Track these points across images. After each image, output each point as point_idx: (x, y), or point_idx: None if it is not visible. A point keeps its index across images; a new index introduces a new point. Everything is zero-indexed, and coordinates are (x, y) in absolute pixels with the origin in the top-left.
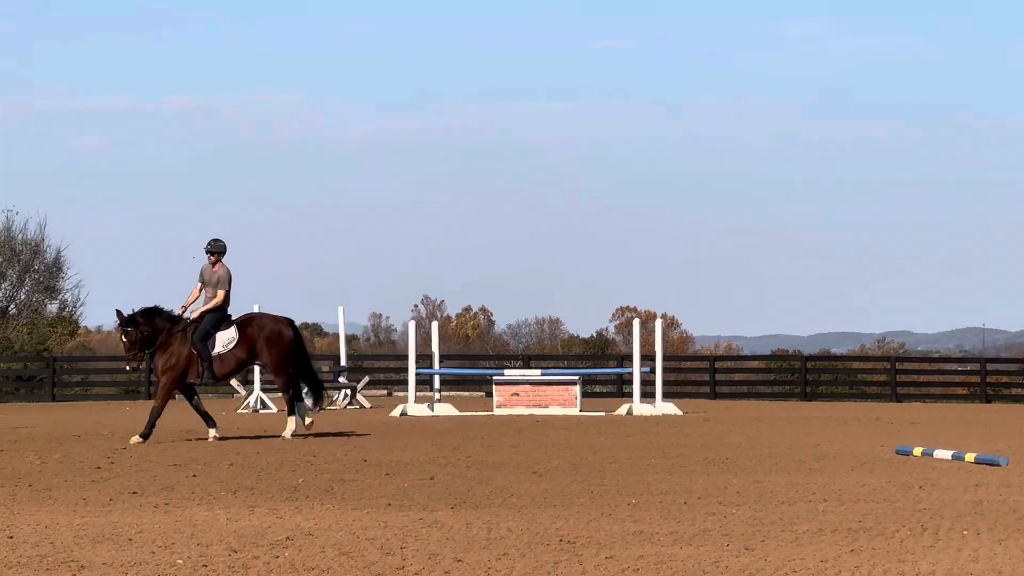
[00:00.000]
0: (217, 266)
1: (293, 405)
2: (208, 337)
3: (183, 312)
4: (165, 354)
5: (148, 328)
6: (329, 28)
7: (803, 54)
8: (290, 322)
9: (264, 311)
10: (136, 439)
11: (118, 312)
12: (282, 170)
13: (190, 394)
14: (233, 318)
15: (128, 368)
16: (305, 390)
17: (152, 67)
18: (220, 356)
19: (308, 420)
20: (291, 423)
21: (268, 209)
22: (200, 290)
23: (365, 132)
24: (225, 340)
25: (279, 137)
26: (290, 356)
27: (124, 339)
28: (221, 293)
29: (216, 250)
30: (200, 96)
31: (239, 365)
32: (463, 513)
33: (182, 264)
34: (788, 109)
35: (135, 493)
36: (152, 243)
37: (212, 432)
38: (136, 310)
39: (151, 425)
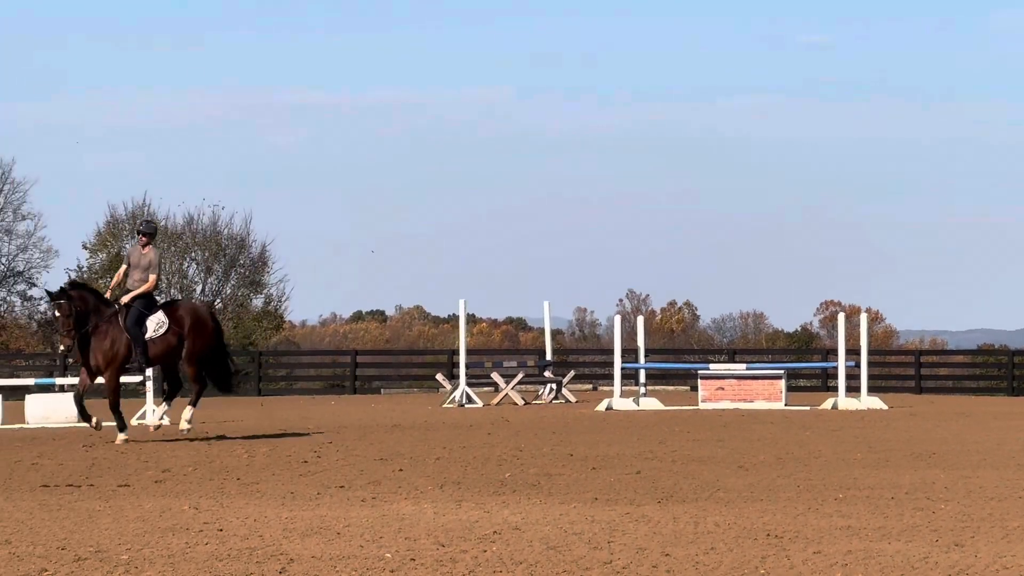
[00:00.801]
0: (147, 249)
1: (199, 396)
2: (142, 322)
3: (109, 296)
4: (104, 340)
5: (81, 305)
6: (535, 26)
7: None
8: (212, 310)
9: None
10: (121, 438)
11: (47, 291)
12: (487, 166)
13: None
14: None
15: (61, 348)
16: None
17: (356, 62)
18: (152, 340)
19: (157, 423)
20: (189, 411)
21: (473, 204)
22: (125, 273)
23: (571, 128)
24: (155, 325)
25: (484, 132)
26: (210, 345)
27: (58, 313)
28: (153, 277)
29: (150, 231)
30: (404, 91)
31: (169, 350)
32: (670, 507)
33: (383, 258)
34: (986, 102)
35: (342, 487)
36: (355, 238)
37: (95, 421)
38: (66, 285)
39: (120, 419)
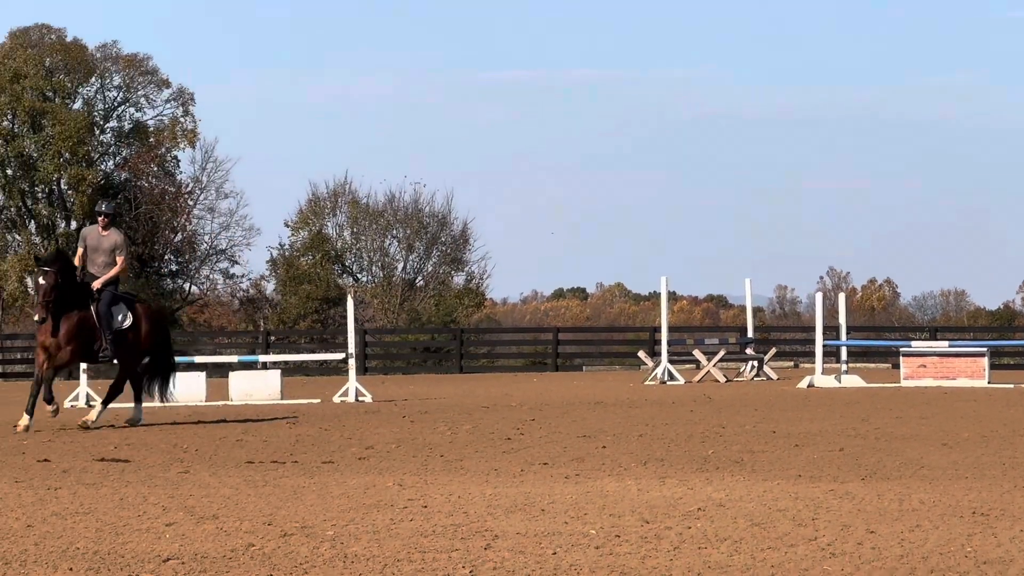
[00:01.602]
0: (109, 231)
1: (114, 395)
2: (114, 311)
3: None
4: (72, 321)
5: (65, 281)
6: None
7: None
8: (165, 312)
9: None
10: (23, 423)
11: (36, 257)
12: (688, 144)
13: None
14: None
15: (37, 318)
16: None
17: (557, 40)
18: (119, 331)
19: (94, 419)
20: (99, 411)
21: (674, 182)
22: (83, 256)
23: (771, 107)
24: (121, 316)
25: (685, 111)
26: (163, 348)
27: (43, 281)
28: (122, 259)
29: (111, 212)
30: (604, 69)
31: (127, 346)
32: (874, 484)
33: (584, 235)
34: None
35: (546, 464)
36: (554, 217)
37: (24, 420)
38: (53, 254)
39: (34, 402)
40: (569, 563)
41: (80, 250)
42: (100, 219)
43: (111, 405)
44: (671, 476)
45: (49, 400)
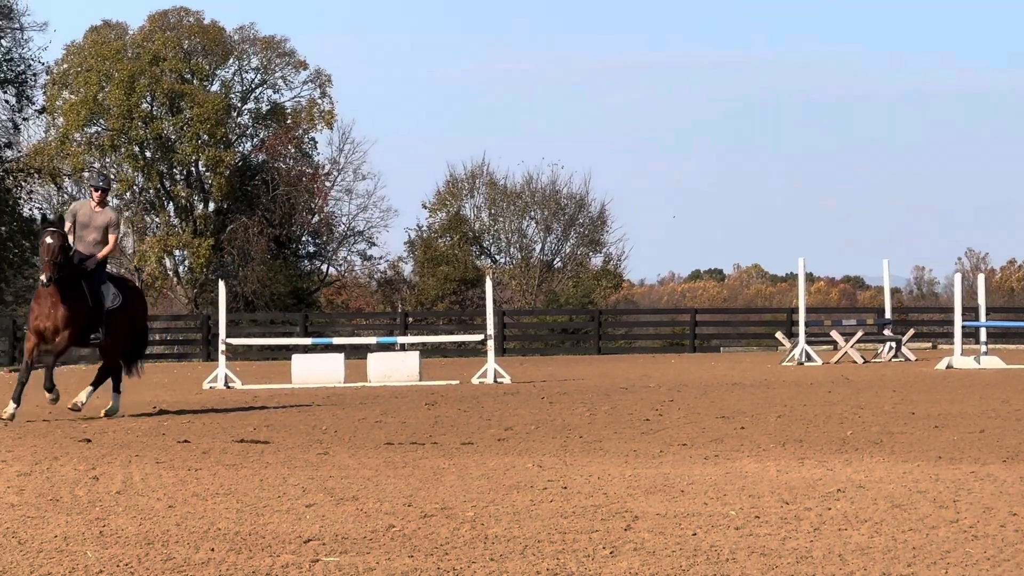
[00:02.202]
0: (102, 208)
1: (104, 379)
2: (105, 290)
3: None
4: (69, 303)
5: (68, 249)
6: None
7: None
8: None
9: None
10: (9, 411)
11: (44, 216)
12: (825, 125)
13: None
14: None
15: (44, 278)
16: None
17: (693, 22)
18: (109, 312)
19: (81, 400)
20: (87, 394)
21: (810, 163)
22: (71, 233)
23: (910, 86)
24: (111, 296)
25: (821, 92)
26: (143, 328)
27: (50, 240)
28: (114, 238)
29: (105, 186)
30: (743, 52)
31: (120, 326)
32: (1015, 466)
33: (720, 216)
34: None
35: (684, 445)
36: (691, 198)
37: (10, 409)
38: (58, 217)
39: (20, 387)
40: (709, 544)
41: (68, 225)
42: (95, 193)
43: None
44: (810, 457)
45: (50, 388)
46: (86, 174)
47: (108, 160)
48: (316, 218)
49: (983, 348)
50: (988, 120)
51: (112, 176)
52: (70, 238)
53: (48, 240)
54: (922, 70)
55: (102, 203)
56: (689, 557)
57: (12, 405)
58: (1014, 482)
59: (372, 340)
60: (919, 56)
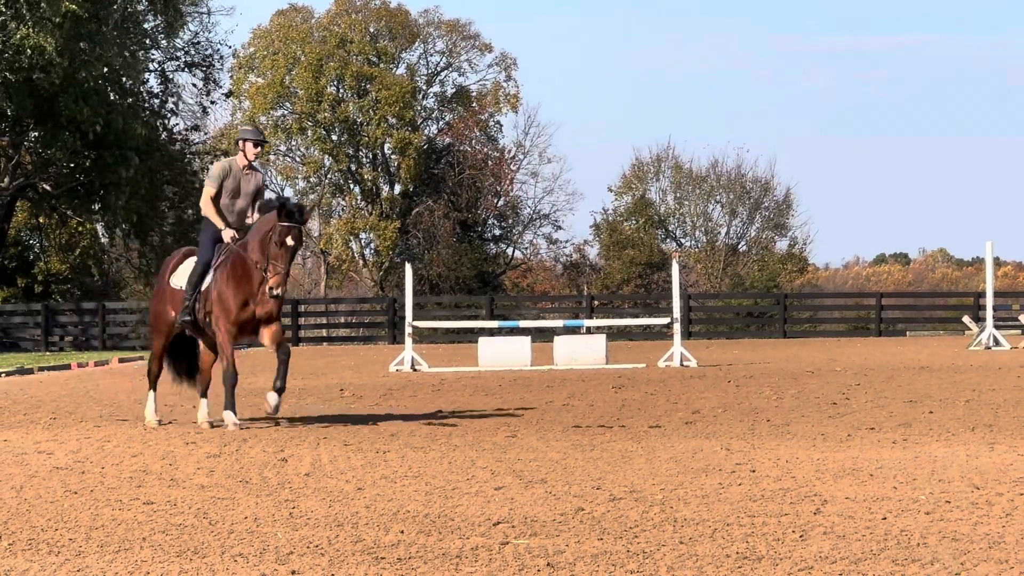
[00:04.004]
0: (251, 171)
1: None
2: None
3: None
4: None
5: None
6: None
7: None
8: None
9: None
10: (231, 421)
11: (282, 204)
12: (1010, 107)
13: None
14: None
15: (277, 292)
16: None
17: (880, 5)
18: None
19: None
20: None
21: (999, 146)
22: (215, 200)
23: None
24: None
25: (1009, 74)
26: None
27: (291, 242)
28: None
29: (263, 140)
30: (929, 35)
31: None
32: None
33: (907, 200)
34: None
35: (872, 429)
36: (875, 181)
37: (233, 417)
38: (303, 207)
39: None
40: (900, 528)
41: (212, 189)
42: (249, 149)
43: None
44: (1000, 442)
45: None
46: (243, 126)
47: (295, 143)
48: (501, 201)
49: None
50: None
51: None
52: (209, 208)
53: (289, 241)
54: None
55: (250, 163)
56: (879, 541)
57: (231, 415)
58: None
59: (558, 323)
60: None
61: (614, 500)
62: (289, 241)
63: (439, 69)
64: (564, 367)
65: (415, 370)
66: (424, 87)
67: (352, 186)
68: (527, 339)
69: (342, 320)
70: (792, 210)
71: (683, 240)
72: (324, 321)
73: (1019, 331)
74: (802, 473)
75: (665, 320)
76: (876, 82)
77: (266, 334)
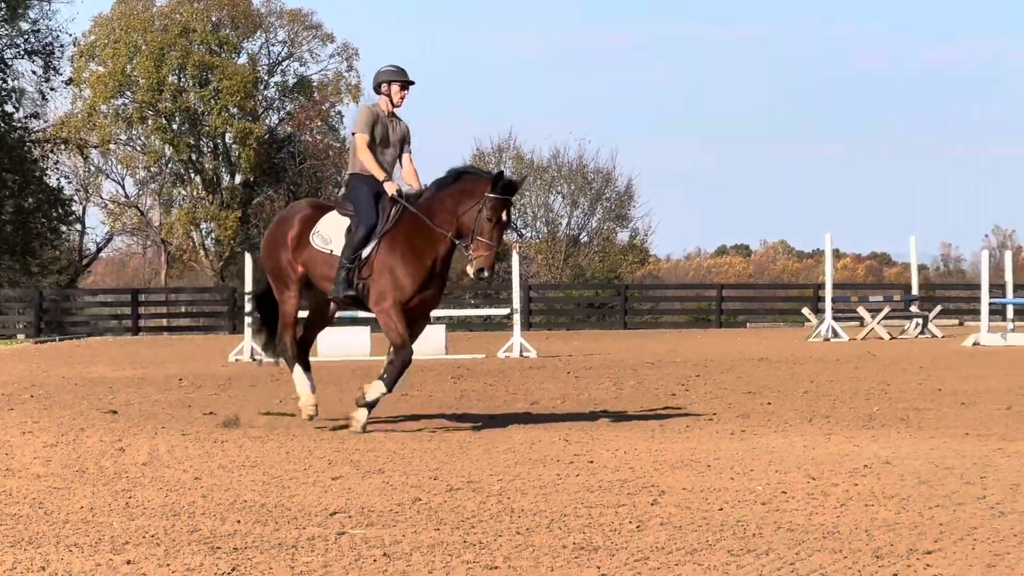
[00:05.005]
0: (397, 119)
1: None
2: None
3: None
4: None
5: None
6: None
7: None
8: None
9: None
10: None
11: (504, 179)
12: (849, 101)
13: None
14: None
15: (487, 274)
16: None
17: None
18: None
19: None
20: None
21: (837, 139)
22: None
23: (934, 62)
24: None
25: (846, 68)
26: None
27: (506, 216)
28: (410, 159)
29: (411, 82)
30: (770, 26)
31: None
32: None
33: (747, 192)
34: None
35: (711, 420)
36: (717, 175)
37: (362, 418)
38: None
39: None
40: (736, 519)
41: (366, 135)
42: (396, 92)
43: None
44: (837, 433)
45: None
46: (386, 67)
47: (136, 132)
48: (343, 191)
49: (1010, 325)
50: (1012, 95)
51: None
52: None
53: (505, 218)
54: (946, 44)
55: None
56: (715, 532)
57: (364, 412)
58: None
59: None
60: (944, 30)
61: (451, 490)
62: (504, 216)
63: (281, 59)
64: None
65: (255, 360)
66: (266, 77)
67: (193, 176)
68: (367, 329)
69: (183, 310)
70: (633, 201)
71: (524, 231)
72: (164, 311)
73: (857, 323)
74: (640, 464)
75: (505, 311)
76: (719, 75)
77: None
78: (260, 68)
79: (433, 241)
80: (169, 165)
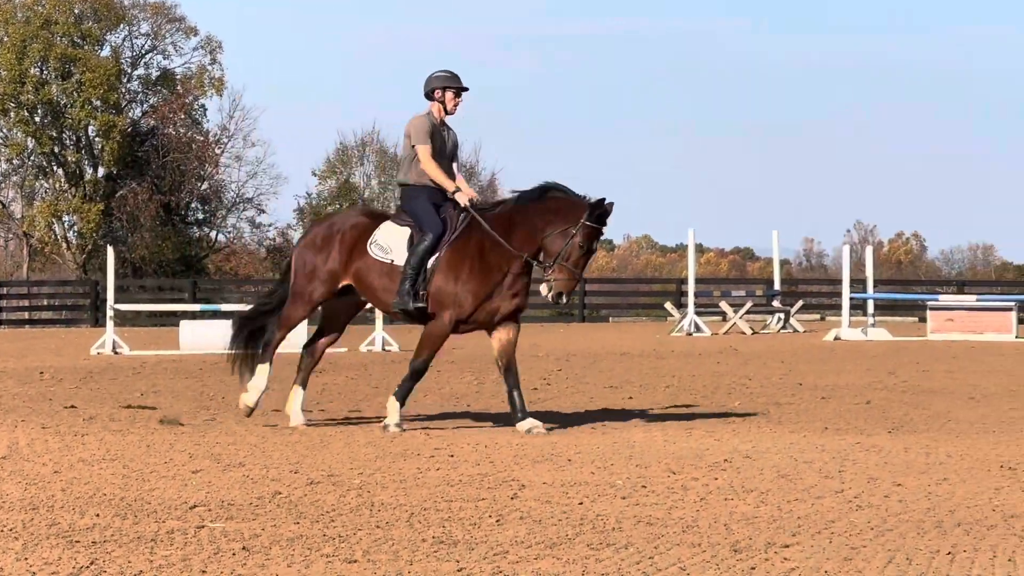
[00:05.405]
0: (448, 128)
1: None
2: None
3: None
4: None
5: None
6: None
7: None
8: None
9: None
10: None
11: (602, 201)
12: (712, 94)
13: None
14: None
15: (565, 300)
16: None
17: None
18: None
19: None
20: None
21: (701, 134)
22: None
23: (797, 56)
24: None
25: (708, 61)
26: None
27: (595, 250)
28: (455, 167)
29: (464, 88)
30: (639, 19)
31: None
32: (901, 437)
33: (612, 187)
34: None
35: (572, 414)
36: (581, 167)
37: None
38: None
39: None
40: (596, 513)
41: (429, 145)
42: (451, 98)
43: None
44: (697, 427)
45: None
46: (438, 72)
47: None
48: (205, 185)
49: (870, 320)
50: (874, 92)
51: None
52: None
53: (595, 248)
54: (808, 38)
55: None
56: (575, 526)
57: (397, 416)
58: (898, 453)
59: None
60: (806, 23)
61: (312, 484)
62: (595, 246)
63: (144, 51)
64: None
65: (116, 353)
66: (129, 69)
67: (55, 168)
68: (228, 323)
69: (44, 303)
70: (497, 195)
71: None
72: (26, 304)
73: (720, 317)
74: (501, 458)
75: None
76: (578, 67)
77: (498, 343)
78: (123, 61)
79: (505, 258)
80: (31, 157)
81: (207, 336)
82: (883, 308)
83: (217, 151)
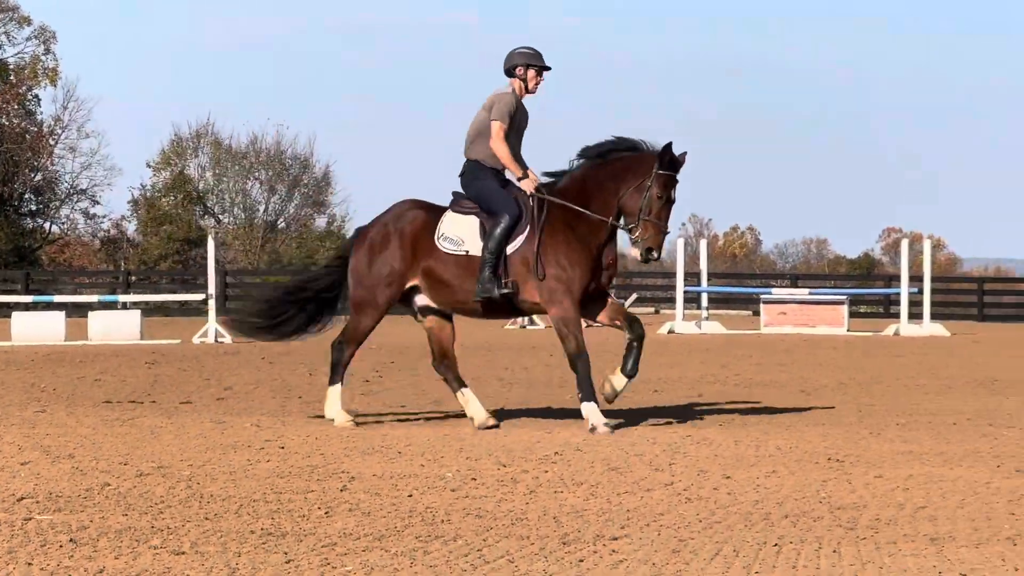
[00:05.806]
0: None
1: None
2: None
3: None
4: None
5: None
6: None
7: None
8: None
9: None
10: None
11: (665, 152)
12: (555, 87)
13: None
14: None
15: (657, 255)
16: None
17: None
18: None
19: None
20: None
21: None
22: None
23: (626, 48)
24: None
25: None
26: None
27: (675, 198)
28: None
29: (547, 67)
30: (465, 12)
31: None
32: (731, 430)
33: (440, 179)
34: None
35: (404, 407)
36: (413, 159)
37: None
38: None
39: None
40: (425, 505)
41: (505, 124)
42: (533, 75)
43: None
44: (528, 421)
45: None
46: (520, 48)
47: None
48: (39, 176)
49: (704, 313)
50: (711, 87)
51: None
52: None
53: (674, 196)
54: (628, 34)
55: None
56: (404, 518)
57: (596, 409)
58: (728, 445)
59: (94, 299)
60: (627, 16)
61: (141, 476)
62: (673, 195)
63: None
64: (98, 342)
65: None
66: None
67: None
68: (61, 314)
69: None
70: (331, 188)
71: (222, 216)
72: None
73: None
74: (331, 450)
75: (201, 296)
76: (411, 57)
77: (607, 309)
78: None
79: (594, 229)
80: None
81: (39, 327)
82: (717, 301)
83: (51, 142)
